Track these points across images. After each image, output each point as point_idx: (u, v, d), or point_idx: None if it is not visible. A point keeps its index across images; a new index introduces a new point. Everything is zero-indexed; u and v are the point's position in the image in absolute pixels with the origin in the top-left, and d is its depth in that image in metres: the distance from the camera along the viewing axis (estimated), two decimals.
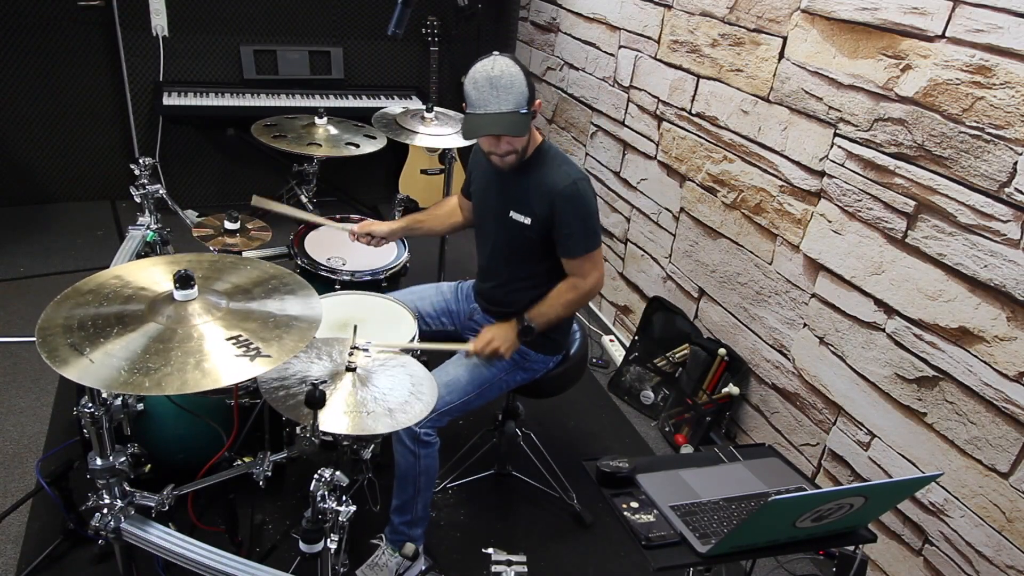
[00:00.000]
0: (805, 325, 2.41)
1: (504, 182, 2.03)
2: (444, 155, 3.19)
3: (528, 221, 1.97)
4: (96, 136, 4.06)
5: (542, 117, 4.16)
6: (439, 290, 2.33)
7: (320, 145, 2.77)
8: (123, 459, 1.53)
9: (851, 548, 1.66)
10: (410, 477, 1.98)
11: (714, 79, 2.74)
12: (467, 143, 2.08)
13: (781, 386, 2.55)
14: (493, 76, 1.79)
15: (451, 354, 2.15)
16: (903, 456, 2.10)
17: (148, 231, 2.35)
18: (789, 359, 2.50)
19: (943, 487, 1.98)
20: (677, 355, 2.97)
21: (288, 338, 1.40)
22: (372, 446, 1.84)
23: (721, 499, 1.63)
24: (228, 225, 2.38)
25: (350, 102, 4.07)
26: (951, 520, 1.97)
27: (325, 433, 1.51)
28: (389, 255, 2.54)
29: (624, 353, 3.24)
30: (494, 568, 1.73)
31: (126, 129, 4.04)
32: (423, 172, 4.27)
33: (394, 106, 3.36)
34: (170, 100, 3.75)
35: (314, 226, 2.65)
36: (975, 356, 1.86)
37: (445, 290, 2.33)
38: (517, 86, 1.80)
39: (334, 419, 1.47)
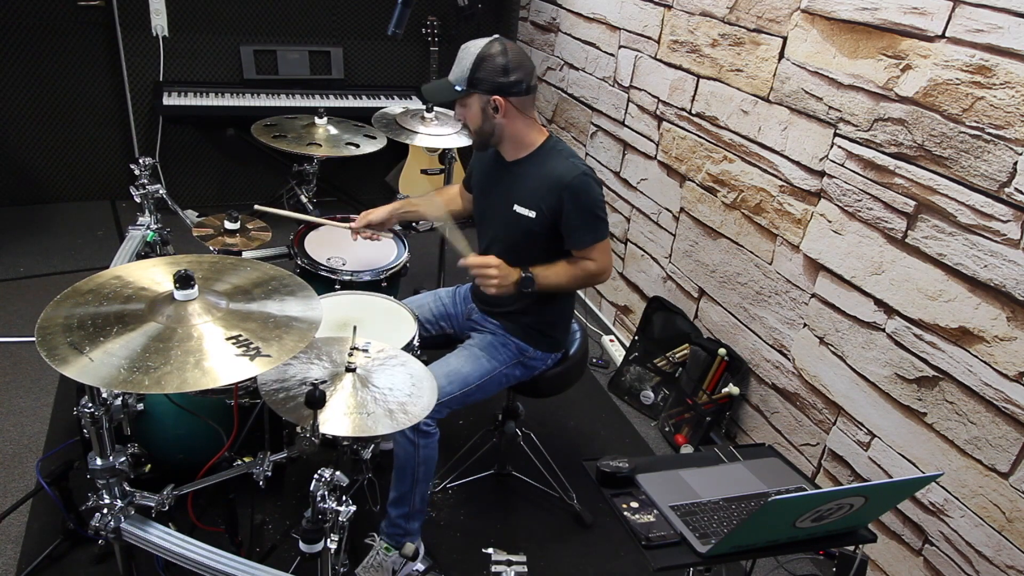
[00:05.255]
0: (805, 325, 2.41)
1: (508, 176, 2.03)
2: (444, 155, 3.20)
3: (533, 215, 1.97)
4: (96, 136, 4.06)
5: (542, 117, 4.16)
6: (436, 296, 2.33)
7: (320, 145, 2.77)
8: (123, 459, 1.53)
9: (851, 548, 1.66)
10: (408, 467, 1.98)
11: (714, 79, 2.74)
12: (467, 143, 2.11)
13: (781, 386, 2.55)
14: (461, 48, 1.92)
15: (453, 348, 2.16)
16: (903, 456, 2.10)
17: (148, 231, 2.35)
18: (789, 359, 2.50)
19: (943, 487, 1.98)
20: (677, 355, 2.97)
21: (288, 338, 1.40)
22: (372, 446, 1.84)
23: (721, 499, 1.63)
24: (228, 225, 2.38)
25: (350, 102, 4.07)
26: (951, 520, 1.97)
27: (326, 433, 1.51)
28: (389, 255, 2.54)
29: (624, 353, 3.24)
30: (494, 568, 1.74)
31: (126, 129, 4.04)
32: (423, 172, 4.27)
33: (394, 106, 3.36)
34: (170, 100, 3.76)
35: (314, 226, 2.65)
36: (975, 356, 1.86)
37: (443, 295, 2.33)
38: (464, 63, 1.90)
39: (335, 421, 1.47)
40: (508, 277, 1.95)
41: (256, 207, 2.42)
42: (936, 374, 1.97)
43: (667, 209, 3.11)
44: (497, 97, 1.89)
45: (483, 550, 2.09)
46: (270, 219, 2.57)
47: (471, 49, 1.89)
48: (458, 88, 1.90)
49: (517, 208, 2.00)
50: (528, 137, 1.99)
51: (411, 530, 2.07)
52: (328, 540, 1.45)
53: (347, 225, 2.41)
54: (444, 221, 2.18)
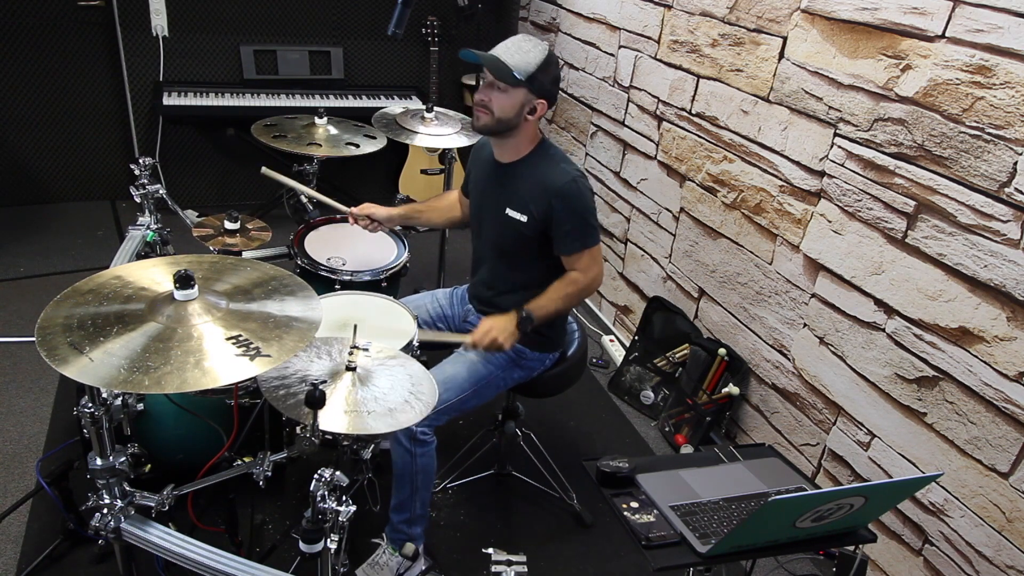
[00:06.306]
0: (805, 325, 2.41)
1: (502, 179, 2.04)
2: (444, 155, 3.20)
3: (524, 219, 1.97)
4: (96, 136, 4.06)
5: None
6: (434, 297, 2.33)
7: (320, 145, 2.77)
8: (123, 459, 1.53)
9: (851, 548, 1.66)
10: (407, 476, 1.98)
11: (714, 79, 2.74)
12: (466, 143, 2.10)
13: (781, 386, 2.55)
14: (522, 40, 1.89)
15: (451, 352, 2.15)
16: (903, 456, 2.10)
17: (148, 231, 2.35)
18: (789, 359, 2.50)
19: (943, 487, 1.98)
20: (677, 355, 2.97)
21: (288, 338, 1.40)
22: (372, 446, 1.84)
23: (721, 499, 1.63)
24: (228, 225, 2.38)
25: (350, 102, 4.07)
26: (951, 520, 1.97)
27: (325, 432, 1.51)
28: (389, 255, 2.54)
29: (624, 353, 3.24)
30: (494, 568, 1.74)
31: (126, 129, 4.04)
32: (423, 172, 4.27)
33: (394, 106, 3.37)
34: (170, 100, 3.76)
35: (314, 226, 2.65)
36: (975, 356, 1.86)
37: (440, 296, 2.33)
38: (529, 57, 1.87)
39: (334, 419, 1.47)
40: (508, 327, 1.95)
41: (264, 170, 2.43)
42: (936, 374, 1.97)
43: (667, 209, 3.11)
44: (543, 101, 1.91)
45: (483, 550, 2.09)
46: (268, 219, 2.57)
47: (538, 47, 1.87)
48: (518, 76, 1.86)
49: (509, 211, 2.00)
50: (526, 140, 2.00)
51: (414, 535, 2.07)
52: (328, 540, 1.45)
53: (347, 210, 2.39)
54: (433, 335, 2.16)
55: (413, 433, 1.93)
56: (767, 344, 2.60)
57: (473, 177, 2.19)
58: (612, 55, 3.39)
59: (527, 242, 2.00)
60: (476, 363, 2.07)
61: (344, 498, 1.45)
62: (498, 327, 1.95)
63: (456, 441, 2.59)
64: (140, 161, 2.32)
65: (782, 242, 2.48)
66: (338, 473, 1.45)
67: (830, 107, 2.23)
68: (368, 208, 2.34)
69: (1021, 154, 1.72)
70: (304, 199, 3.16)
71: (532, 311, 1.97)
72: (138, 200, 2.36)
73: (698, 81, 2.83)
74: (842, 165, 2.20)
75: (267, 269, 1.64)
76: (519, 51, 1.87)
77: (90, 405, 1.45)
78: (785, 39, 2.39)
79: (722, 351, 2.73)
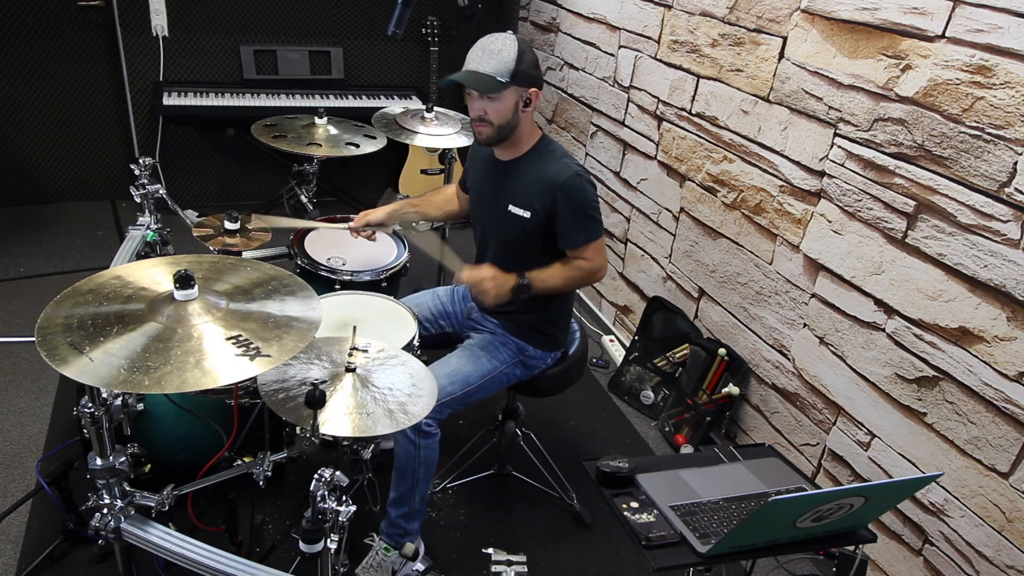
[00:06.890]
0: (805, 325, 2.41)
1: (503, 176, 2.04)
2: (444, 155, 3.20)
3: (527, 215, 1.98)
4: (96, 136, 4.06)
5: (542, 117, 4.16)
6: (435, 295, 2.34)
7: (320, 145, 2.77)
8: (123, 459, 1.54)
9: (851, 548, 1.66)
10: (409, 468, 1.98)
11: (714, 79, 2.74)
12: (466, 143, 2.09)
13: (781, 386, 2.55)
14: (487, 42, 1.88)
15: (452, 347, 2.16)
16: (903, 456, 2.10)
17: (148, 231, 2.35)
18: (789, 359, 2.50)
19: (943, 487, 1.98)
20: (677, 355, 2.97)
21: (288, 338, 1.40)
22: (372, 446, 1.84)
23: (721, 499, 1.63)
24: (228, 225, 2.38)
25: (350, 102, 4.07)
26: (951, 520, 1.97)
27: (326, 433, 1.51)
28: (389, 255, 2.54)
29: (624, 353, 3.24)
30: (494, 568, 1.74)
31: (126, 129, 4.04)
32: (423, 172, 4.27)
33: (394, 106, 3.37)
34: (170, 100, 3.76)
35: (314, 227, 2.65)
36: (975, 356, 1.86)
37: (441, 294, 2.34)
38: (504, 55, 1.85)
39: (334, 421, 1.47)
40: (504, 285, 1.95)
41: (254, 216, 2.42)
42: (936, 374, 1.97)
43: (667, 209, 3.11)
44: (534, 90, 1.91)
45: (483, 550, 2.09)
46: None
47: (507, 42, 1.86)
48: (502, 80, 1.86)
49: (512, 208, 2.00)
50: (525, 136, 2.00)
51: (411, 530, 2.07)
52: (328, 540, 1.45)
53: (345, 225, 2.41)
54: (436, 247, 2.17)
55: (418, 425, 1.93)
56: (767, 344, 2.60)
57: (473, 175, 2.20)
58: (612, 55, 3.39)
59: (530, 238, 2.01)
60: (481, 357, 2.08)
61: (344, 498, 1.45)
62: (497, 280, 1.95)
63: (456, 441, 2.59)
64: (140, 161, 2.33)
65: (782, 242, 2.48)
66: (338, 473, 1.45)
67: (830, 107, 2.23)
68: (364, 217, 2.34)
69: (1021, 154, 1.72)
70: (304, 199, 3.17)
71: (532, 281, 1.97)
72: (138, 200, 2.36)
73: (698, 81, 2.83)
74: (842, 165, 2.20)
75: (267, 269, 1.64)
76: (491, 54, 1.85)
77: (90, 405, 1.45)
78: (785, 39, 2.39)
79: (722, 351, 2.73)
